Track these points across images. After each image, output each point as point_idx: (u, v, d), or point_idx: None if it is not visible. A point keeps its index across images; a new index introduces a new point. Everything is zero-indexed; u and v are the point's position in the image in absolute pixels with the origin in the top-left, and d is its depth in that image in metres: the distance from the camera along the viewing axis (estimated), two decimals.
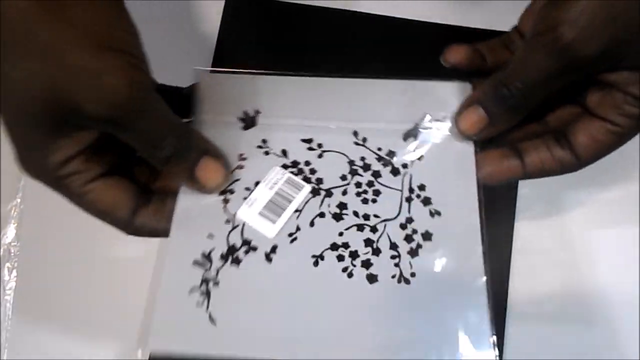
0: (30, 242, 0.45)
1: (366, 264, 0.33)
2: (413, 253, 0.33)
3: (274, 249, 0.33)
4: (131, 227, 0.31)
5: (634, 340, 0.42)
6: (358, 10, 0.48)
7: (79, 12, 0.25)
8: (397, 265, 0.33)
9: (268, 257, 0.33)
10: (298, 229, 0.33)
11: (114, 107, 0.26)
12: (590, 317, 0.38)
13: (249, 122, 0.36)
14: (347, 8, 0.48)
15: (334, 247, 0.33)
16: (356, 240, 0.33)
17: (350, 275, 0.32)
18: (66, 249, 0.45)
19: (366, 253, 0.33)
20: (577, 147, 0.32)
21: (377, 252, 0.33)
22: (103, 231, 0.43)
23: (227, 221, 0.33)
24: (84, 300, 0.44)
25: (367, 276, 0.32)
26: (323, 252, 0.33)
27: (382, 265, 0.32)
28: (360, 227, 0.33)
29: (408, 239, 0.33)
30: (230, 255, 0.32)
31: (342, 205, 0.34)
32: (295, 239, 0.33)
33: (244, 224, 0.33)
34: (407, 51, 0.46)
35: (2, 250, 0.45)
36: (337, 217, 0.34)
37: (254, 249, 0.33)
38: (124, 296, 0.43)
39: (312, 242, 0.33)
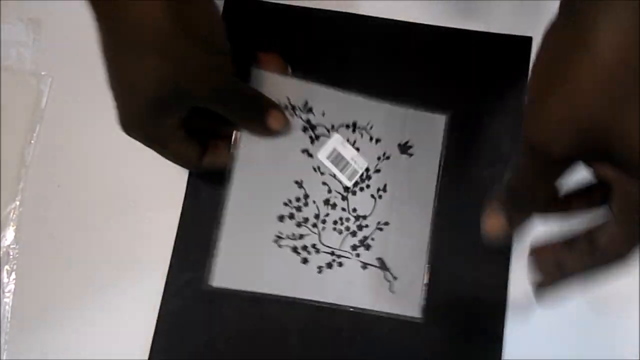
0: (29, 245, 0.46)
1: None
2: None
3: None
4: (199, 167, 0.42)
5: (634, 340, 0.43)
6: (355, 12, 0.48)
7: (195, 20, 0.34)
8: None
9: None
10: None
11: (216, 92, 0.37)
12: (590, 317, 0.39)
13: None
14: (344, 10, 0.48)
15: None
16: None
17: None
18: (65, 251, 0.45)
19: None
20: (599, 246, 0.31)
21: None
22: (102, 233, 0.45)
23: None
24: (83, 303, 0.44)
25: None
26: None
27: None
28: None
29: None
30: None
31: None
32: None
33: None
34: (403, 54, 0.46)
35: (1, 252, 0.45)
36: None
37: None
38: (123, 297, 0.44)
39: None
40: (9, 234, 0.46)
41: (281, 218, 0.43)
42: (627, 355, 0.42)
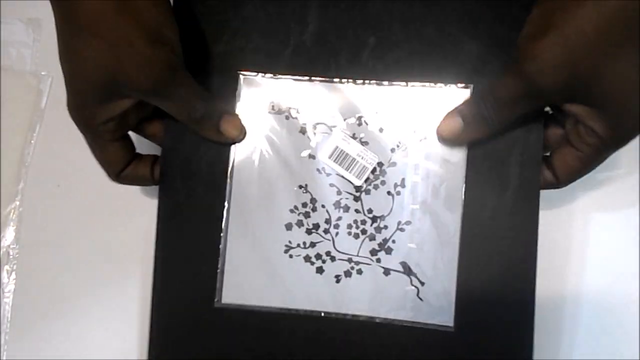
0: (29, 245, 0.45)
1: None
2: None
3: None
4: (118, 178, 0.40)
5: (634, 340, 0.43)
6: None
7: (142, 12, 0.34)
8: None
9: None
10: None
11: (158, 82, 0.35)
12: (590, 317, 0.38)
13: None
14: None
15: None
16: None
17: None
18: (65, 251, 0.45)
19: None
20: (556, 170, 0.38)
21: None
22: (102, 233, 0.46)
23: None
24: (83, 303, 0.45)
25: None
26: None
27: None
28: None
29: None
30: None
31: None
32: None
33: None
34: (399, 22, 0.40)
35: (1, 252, 0.45)
36: None
37: None
38: (124, 297, 0.44)
39: None
40: (9, 234, 0.45)
41: (289, 226, 0.40)
42: (627, 355, 0.42)
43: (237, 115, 0.40)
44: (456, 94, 0.39)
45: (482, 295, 0.38)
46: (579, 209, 0.45)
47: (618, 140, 0.35)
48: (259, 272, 0.40)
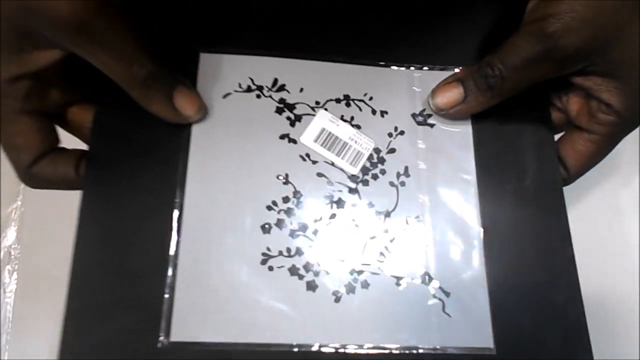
0: (31, 245, 0.45)
1: None
2: None
3: None
4: (26, 174, 0.30)
5: (634, 340, 0.43)
6: None
7: None
8: None
9: None
10: None
11: (83, 12, 0.26)
12: (590, 317, 0.34)
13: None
14: None
15: None
16: None
17: None
18: (66, 251, 0.40)
19: None
20: (565, 160, 0.34)
21: None
22: None
23: None
24: None
25: None
26: None
27: None
28: None
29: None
30: None
31: None
32: None
33: None
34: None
35: (2, 252, 0.45)
36: None
37: None
38: None
39: None
40: (11, 234, 0.45)
41: (266, 228, 0.30)
42: (627, 355, 0.42)
43: (195, 91, 0.31)
44: None
45: (521, 303, 0.30)
46: (578, 208, 0.44)
47: (634, 115, 0.32)
48: (224, 295, 0.28)
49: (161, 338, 0.27)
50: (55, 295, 0.39)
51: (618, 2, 0.29)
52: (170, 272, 0.28)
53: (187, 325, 0.27)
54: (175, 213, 0.29)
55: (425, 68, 0.34)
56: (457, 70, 0.34)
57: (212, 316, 0.28)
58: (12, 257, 0.45)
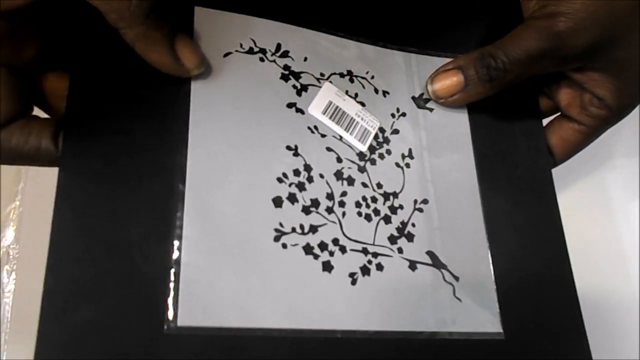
0: (29, 245, 0.45)
1: None
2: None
3: None
4: None
5: (634, 340, 0.43)
6: None
7: None
8: None
9: None
10: None
11: None
12: (590, 318, 0.35)
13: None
14: None
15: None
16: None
17: None
18: None
19: None
20: (552, 147, 0.35)
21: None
22: None
23: None
24: None
25: None
26: None
27: None
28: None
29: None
30: None
31: None
32: None
33: None
34: None
35: (1, 252, 0.45)
36: None
37: None
38: None
39: None
40: (9, 234, 0.45)
41: (278, 202, 0.26)
42: (627, 355, 0.42)
43: (195, 42, 0.27)
44: None
45: (522, 288, 0.30)
46: (578, 208, 0.44)
47: (623, 110, 0.33)
48: (236, 274, 0.24)
49: (166, 321, 0.22)
50: None
51: (629, 2, 0.30)
52: (176, 245, 0.24)
53: (195, 306, 0.23)
54: (179, 179, 0.25)
55: (420, 52, 0.33)
56: (448, 59, 0.34)
57: (222, 298, 0.24)
58: (11, 257, 0.45)
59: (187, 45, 0.26)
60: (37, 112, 0.27)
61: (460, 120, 0.33)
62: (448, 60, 0.33)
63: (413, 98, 0.32)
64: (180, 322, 0.23)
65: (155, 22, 0.24)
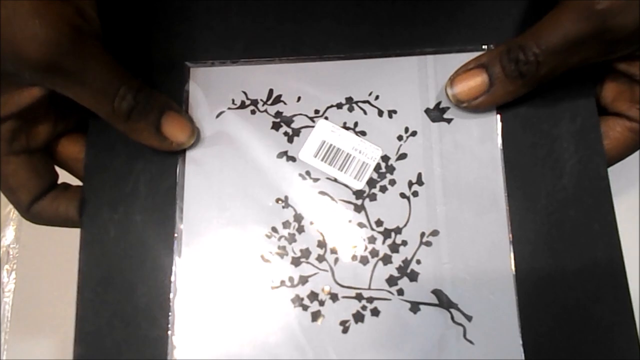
0: (29, 244, 0.45)
1: None
2: None
3: None
4: (28, 213, 0.30)
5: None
6: None
7: None
8: None
9: None
10: None
11: (56, 48, 0.25)
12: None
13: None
14: None
15: None
16: None
17: None
18: (65, 251, 0.41)
19: None
20: None
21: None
22: None
23: None
24: None
25: None
26: None
27: None
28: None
29: None
30: None
31: None
32: None
33: None
34: None
35: (1, 252, 0.45)
36: None
37: None
38: None
39: None
40: (9, 234, 0.45)
41: (266, 257, 0.28)
42: (627, 355, 0.35)
43: (184, 112, 0.30)
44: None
45: (558, 324, 0.26)
46: None
47: None
48: (226, 331, 0.27)
49: None
50: (54, 294, 0.43)
51: None
52: (172, 311, 0.28)
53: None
54: (175, 247, 0.28)
55: (439, 51, 0.29)
56: (477, 53, 0.29)
57: (215, 353, 0.27)
58: (11, 256, 0.45)
59: (176, 121, 0.29)
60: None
61: (488, 128, 0.28)
62: (474, 55, 0.29)
63: (427, 111, 0.29)
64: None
65: (137, 116, 0.28)
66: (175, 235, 0.28)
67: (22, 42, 0.24)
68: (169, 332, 0.27)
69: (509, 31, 0.29)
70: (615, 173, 0.35)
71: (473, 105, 0.28)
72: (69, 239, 0.36)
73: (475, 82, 0.28)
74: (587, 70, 0.28)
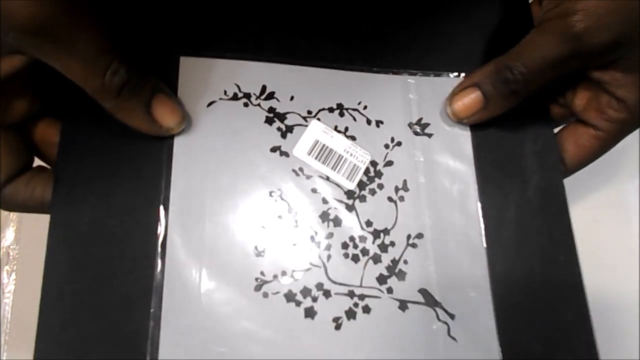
0: (29, 245, 0.45)
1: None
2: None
3: None
4: (1, 195, 0.27)
5: (634, 340, 0.43)
6: None
7: None
8: None
9: None
10: None
11: (45, 10, 0.23)
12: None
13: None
14: None
15: None
16: None
17: None
18: None
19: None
20: (564, 155, 0.32)
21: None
22: None
23: None
24: None
25: None
26: None
27: None
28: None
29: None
30: None
31: None
32: None
33: None
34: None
35: (1, 253, 0.45)
36: None
37: None
38: None
39: None
40: (9, 235, 0.45)
41: (260, 251, 0.27)
42: (627, 355, 0.42)
43: (176, 99, 0.28)
44: (449, 84, 0.32)
45: (529, 323, 0.28)
46: (578, 208, 0.43)
47: None
48: (215, 326, 0.25)
49: None
50: None
51: None
52: (154, 302, 0.25)
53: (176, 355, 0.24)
54: (159, 236, 0.26)
55: (419, 74, 0.32)
56: (452, 75, 0.32)
57: (202, 350, 0.25)
58: (11, 257, 0.45)
59: (166, 105, 0.27)
60: None
61: (463, 144, 0.31)
62: (451, 78, 0.32)
63: (410, 125, 0.31)
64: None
65: (129, 93, 0.26)
66: (160, 224, 0.26)
67: (10, 1, 0.22)
68: (151, 326, 0.25)
69: (478, 59, 0.33)
70: (620, 171, 0.41)
71: (472, 121, 0.31)
72: None
73: (471, 99, 0.30)
74: (543, 98, 0.33)
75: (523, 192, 0.31)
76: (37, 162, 0.29)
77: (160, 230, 0.26)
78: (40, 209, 0.27)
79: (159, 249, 0.26)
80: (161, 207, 0.27)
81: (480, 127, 0.32)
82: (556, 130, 0.33)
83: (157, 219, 0.26)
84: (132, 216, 0.26)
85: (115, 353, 0.24)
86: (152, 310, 0.25)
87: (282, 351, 0.26)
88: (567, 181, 0.33)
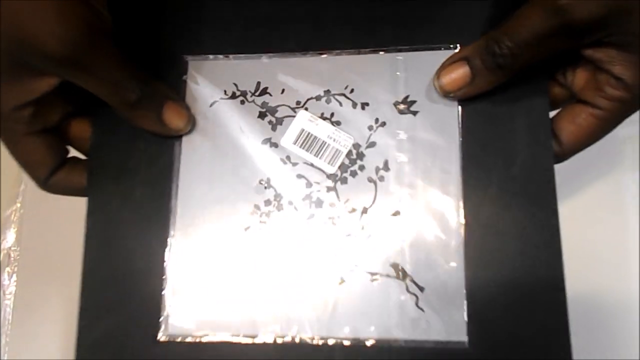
0: (30, 247, 0.46)
1: None
2: None
3: None
4: (45, 185, 0.34)
5: (634, 340, 0.43)
6: None
7: None
8: None
9: None
10: None
11: (73, 45, 0.28)
12: (590, 317, 0.38)
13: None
14: None
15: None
16: None
17: None
18: (65, 253, 0.43)
19: None
20: (560, 134, 0.31)
21: None
22: None
23: None
24: None
25: None
26: None
27: None
28: None
29: None
30: None
31: None
32: None
33: None
34: None
35: (2, 254, 0.46)
36: None
37: None
38: None
39: None
40: (10, 236, 0.45)
41: (248, 231, 0.32)
42: (627, 355, 0.42)
43: (182, 102, 0.34)
44: (440, 59, 0.32)
45: (500, 297, 0.29)
46: (578, 208, 0.44)
47: None
48: (215, 294, 0.32)
49: (160, 332, 0.32)
50: (54, 296, 0.44)
51: None
52: (166, 274, 0.32)
53: (181, 321, 0.32)
54: (170, 219, 0.33)
55: (408, 49, 0.33)
56: (445, 49, 0.32)
57: (205, 314, 0.31)
58: (12, 259, 0.45)
59: (175, 110, 0.33)
60: None
61: (449, 120, 0.32)
62: (442, 52, 0.32)
63: (395, 103, 0.32)
64: (171, 331, 0.31)
65: (142, 105, 0.32)
66: (171, 208, 0.33)
67: (46, 39, 0.27)
68: (163, 292, 0.32)
69: (476, 31, 0.32)
70: (617, 169, 0.39)
71: (459, 96, 0.31)
72: (70, 241, 0.39)
73: (458, 74, 0.31)
74: (542, 69, 0.31)
75: (508, 168, 0.30)
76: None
77: (171, 214, 0.33)
78: (79, 193, 0.35)
79: (170, 230, 0.32)
80: (172, 195, 0.33)
81: (471, 102, 0.32)
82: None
83: (169, 205, 0.33)
84: (149, 203, 0.33)
85: (137, 311, 0.32)
86: (164, 280, 0.32)
87: (271, 314, 0.31)
88: (566, 181, 0.33)
